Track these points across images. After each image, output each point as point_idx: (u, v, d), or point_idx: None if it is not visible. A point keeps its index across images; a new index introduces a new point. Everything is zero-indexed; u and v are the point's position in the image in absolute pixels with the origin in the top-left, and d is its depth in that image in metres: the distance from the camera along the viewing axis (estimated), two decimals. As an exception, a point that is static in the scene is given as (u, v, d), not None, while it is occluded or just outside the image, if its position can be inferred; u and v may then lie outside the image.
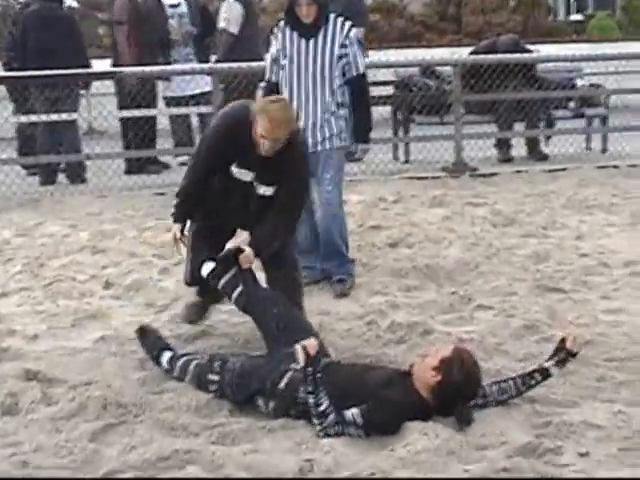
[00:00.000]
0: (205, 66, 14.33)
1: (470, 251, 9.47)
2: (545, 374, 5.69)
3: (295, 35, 7.95)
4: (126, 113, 14.22)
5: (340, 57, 7.96)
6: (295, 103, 7.83)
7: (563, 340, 5.75)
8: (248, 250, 6.47)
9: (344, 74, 8.05)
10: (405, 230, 10.32)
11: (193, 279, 6.96)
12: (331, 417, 5.25)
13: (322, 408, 5.27)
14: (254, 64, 13.42)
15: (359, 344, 6.83)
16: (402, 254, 9.39)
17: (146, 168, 14.06)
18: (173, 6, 15.23)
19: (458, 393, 5.39)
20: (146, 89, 14.17)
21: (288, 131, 6.54)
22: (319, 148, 8.05)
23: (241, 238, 6.83)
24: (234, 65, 13.67)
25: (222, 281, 6.53)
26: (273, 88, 8.15)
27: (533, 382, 5.68)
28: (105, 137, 16.10)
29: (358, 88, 8.13)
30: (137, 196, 12.45)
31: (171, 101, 15.12)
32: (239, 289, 6.45)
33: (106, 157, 14.08)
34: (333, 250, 8.31)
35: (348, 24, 8.02)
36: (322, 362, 5.50)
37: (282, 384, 5.57)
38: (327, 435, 5.23)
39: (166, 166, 14.60)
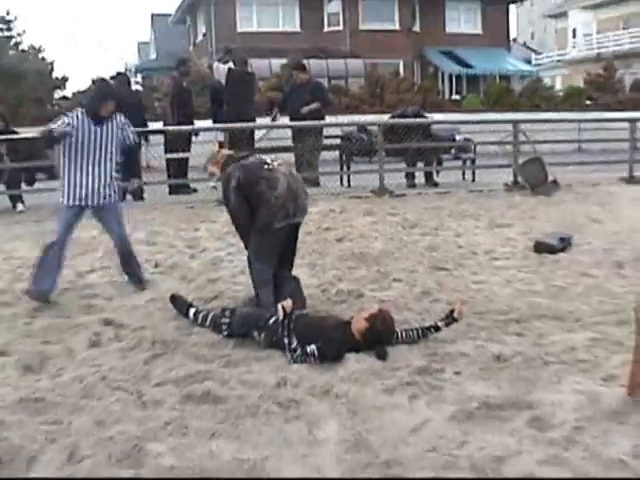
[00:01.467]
0: (219, 125, 14.28)
1: (388, 244, 9.43)
2: (437, 329, 5.69)
3: (89, 122, 6.99)
4: (169, 155, 14.24)
5: (120, 137, 7.24)
6: (87, 169, 7.05)
7: (452, 311, 5.76)
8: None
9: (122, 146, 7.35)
10: (347, 230, 10.28)
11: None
12: (298, 351, 5.26)
13: (293, 345, 5.28)
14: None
15: (317, 304, 6.80)
16: (345, 246, 9.35)
17: (181, 191, 13.98)
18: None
19: (379, 336, 5.41)
20: (184, 140, 14.18)
21: (208, 164, 6.72)
22: (105, 202, 7.21)
23: None
24: (238, 125, 13.69)
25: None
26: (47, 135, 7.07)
27: (428, 333, 5.69)
28: (156, 171, 16.07)
29: (130, 150, 7.50)
30: (175, 209, 12.37)
31: None
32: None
33: (157, 184, 14.06)
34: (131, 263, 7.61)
35: (120, 115, 7.34)
36: (295, 313, 5.51)
37: (270, 322, 5.58)
38: (295, 362, 5.23)
39: (195, 190, 14.48)
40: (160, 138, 15.54)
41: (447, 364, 5.20)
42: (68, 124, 6.89)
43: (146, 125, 14.30)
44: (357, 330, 5.40)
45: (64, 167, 7.07)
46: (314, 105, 14.74)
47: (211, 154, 7.01)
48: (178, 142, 14.13)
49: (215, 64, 15.02)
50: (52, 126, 6.85)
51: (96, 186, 7.08)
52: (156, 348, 5.64)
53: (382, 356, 5.32)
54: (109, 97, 7.17)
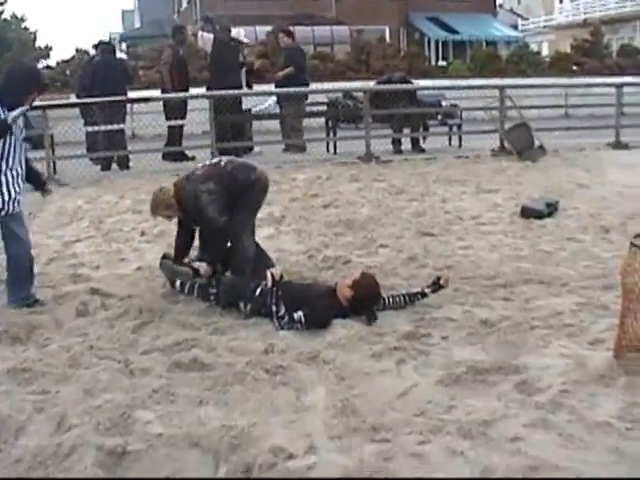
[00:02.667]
0: (207, 93, 14.12)
1: (375, 210, 9.42)
2: (424, 295, 5.73)
3: (4, 113, 5.51)
4: (170, 123, 14.25)
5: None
6: (11, 170, 5.67)
7: (439, 278, 5.79)
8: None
9: None
10: (333, 197, 10.25)
11: None
12: (286, 318, 5.27)
13: (280, 313, 5.30)
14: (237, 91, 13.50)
15: (303, 270, 6.80)
16: (331, 212, 9.33)
17: (179, 158, 13.81)
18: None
19: (364, 301, 5.44)
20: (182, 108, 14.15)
21: (160, 211, 6.27)
22: (17, 208, 5.79)
23: None
24: (223, 92, 13.58)
25: None
26: None
27: (415, 299, 5.72)
28: (142, 140, 16.00)
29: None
30: (162, 177, 12.21)
31: None
32: None
33: (142, 152, 13.96)
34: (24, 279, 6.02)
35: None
36: (281, 281, 5.54)
37: (257, 293, 5.56)
38: (282, 329, 5.25)
39: (193, 157, 14.18)
40: (144, 107, 15.44)
41: (434, 329, 5.22)
42: None
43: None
44: (343, 297, 5.41)
45: None
46: (287, 70, 14.70)
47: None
48: (177, 110, 14.07)
49: (199, 33, 14.86)
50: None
51: (16, 191, 5.75)
52: (143, 316, 5.63)
53: (372, 319, 5.37)
54: (40, 84, 5.90)
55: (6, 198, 5.69)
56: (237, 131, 14.25)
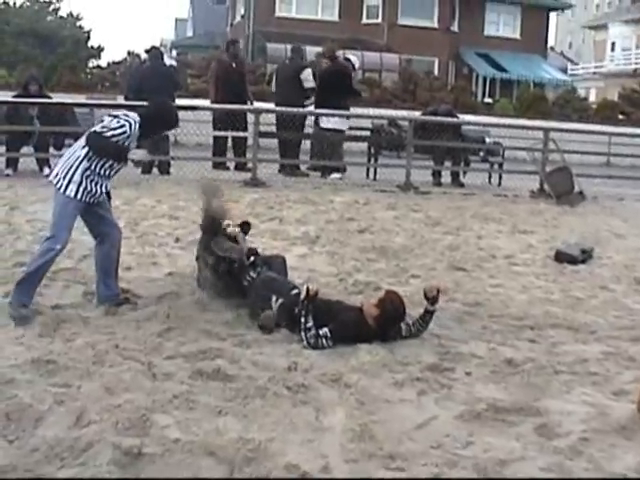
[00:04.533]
0: (249, 107, 14.23)
1: (409, 239, 9.41)
2: (431, 312, 5.68)
3: (137, 133, 5.98)
4: (215, 133, 14.53)
5: None
6: (109, 173, 5.95)
7: (425, 292, 5.71)
8: None
9: None
10: (369, 222, 10.25)
11: None
12: (312, 332, 5.32)
13: (308, 325, 5.34)
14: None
15: (334, 292, 6.78)
16: (366, 238, 9.33)
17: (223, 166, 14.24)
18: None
19: (392, 317, 5.52)
20: (237, 118, 14.33)
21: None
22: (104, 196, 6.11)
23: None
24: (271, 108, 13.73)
25: None
26: None
27: (427, 318, 5.69)
28: (184, 147, 16.12)
29: None
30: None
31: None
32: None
33: (184, 159, 14.06)
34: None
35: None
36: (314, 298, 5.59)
37: (293, 292, 5.71)
38: (309, 344, 5.29)
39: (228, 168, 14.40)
40: (190, 115, 15.62)
41: (458, 364, 5.21)
42: (127, 135, 5.83)
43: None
44: (369, 315, 5.47)
45: (85, 163, 5.80)
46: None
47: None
48: (218, 121, 14.27)
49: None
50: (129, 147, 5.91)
51: (107, 186, 6.04)
52: (170, 321, 5.68)
53: (398, 336, 5.53)
54: (173, 127, 6.86)
55: (103, 190, 5.96)
56: (291, 148, 14.46)
